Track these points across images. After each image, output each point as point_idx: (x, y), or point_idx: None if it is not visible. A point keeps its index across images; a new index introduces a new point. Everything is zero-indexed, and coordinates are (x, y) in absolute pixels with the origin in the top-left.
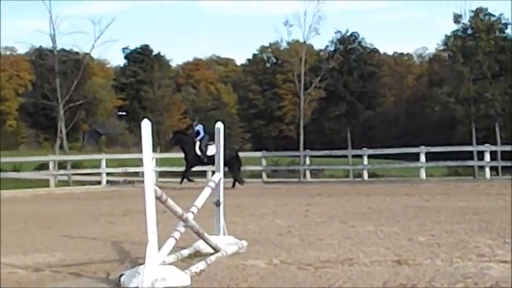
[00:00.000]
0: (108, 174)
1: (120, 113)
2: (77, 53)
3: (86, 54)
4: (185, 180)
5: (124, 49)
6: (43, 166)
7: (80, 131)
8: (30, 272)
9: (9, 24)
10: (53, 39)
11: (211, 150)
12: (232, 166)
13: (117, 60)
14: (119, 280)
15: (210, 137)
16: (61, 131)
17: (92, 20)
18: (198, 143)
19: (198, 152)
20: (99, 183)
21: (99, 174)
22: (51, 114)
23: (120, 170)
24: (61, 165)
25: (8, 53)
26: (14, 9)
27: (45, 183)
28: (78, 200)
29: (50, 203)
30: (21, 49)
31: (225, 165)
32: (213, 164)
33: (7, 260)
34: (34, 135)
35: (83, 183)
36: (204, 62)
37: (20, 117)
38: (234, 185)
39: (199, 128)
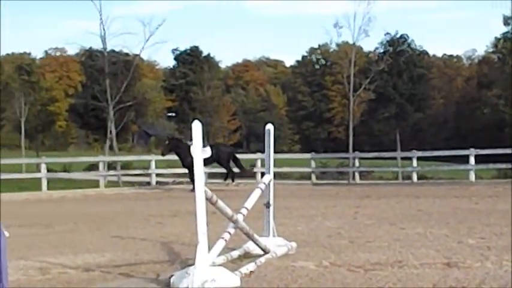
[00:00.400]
0: (157, 175)
1: (170, 114)
2: (126, 54)
3: (136, 55)
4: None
5: (174, 50)
6: (93, 167)
7: (130, 132)
8: (80, 272)
9: (60, 25)
10: (103, 40)
11: (206, 154)
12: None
13: (166, 61)
14: (169, 281)
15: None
16: (111, 131)
17: (142, 21)
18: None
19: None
20: (148, 183)
21: (149, 175)
22: (101, 115)
23: (169, 171)
24: (111, 166)
25: (58, 54)
26: (64, 10)
27: (95, 184)
28: (128, 200)
29: (100, 203)
30: (71, 50)
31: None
32: (212, 163)
33: (57, 260)
34: (84, 136)
35: (132, 183)
36: (254, 64)
37: (70, 118)
38: (226, 179)
39: None
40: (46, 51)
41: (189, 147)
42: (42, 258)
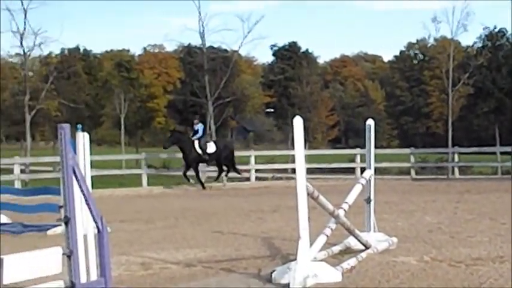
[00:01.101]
0: (256, 170)
1: (268, 110)
2: (225, 50)
3: (235, 51)
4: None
5: (272, 46)
6: None
7: (228, 128)
8: (182, 267)
9: (158, 22)
10: (202, 37)
11: (211, 148)
12: (227, 159)
13: (264, 57)
14: (271, 276)
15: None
16: (210, 127)
17: (241, 17)
18: (196, 142)
19: (199, 151)
20: (248, 179)
21: (248, 170)
22: (200, 111)
23: (268, 166)
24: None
25: (156, 50)
26: (163, 8)
27: (195, 179)
28: (228, 196)
29: (200, 199)
30: (170, 47)
31: (219, 159)
32: (213, 160)
33: (159, 256)
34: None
35: (231, 179)
36: (351, 59)
37: (169, 114)
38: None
39: (200, 127)
40: (145, 48)
41: (192, 141)
42: (144, 254)
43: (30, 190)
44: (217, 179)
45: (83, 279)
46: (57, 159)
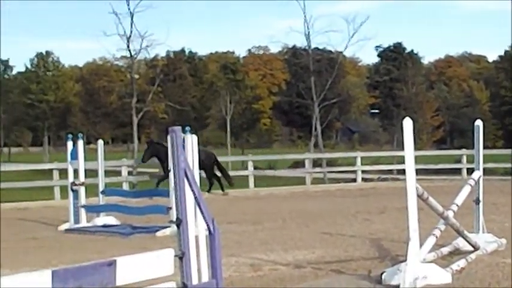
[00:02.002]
0: (363, 171)
1: (373, 111)
2: (330, 51)
3: (340, 52)
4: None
5: (377, 47)
6: (297, 164)
7: (333, 129)
8: (291, 268)
9: (263, 23)
10: (308, 38)
11: None
12: (211, 169)
13: (369, 58)
14: (380, 277)
15: None
16: (316, 129)
17: (346, 19)
18: None
19: None
20: (354, 180)
21: (354, 171)
22: (306, 112)
23: (374, 167)
24: (316, 163)
25: (261, 52)
26: (267, 10)
27: (300, 181)
28: (334, 197)
29: (307, 200)
30: (274, 48)
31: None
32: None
33: (268, 257)
34: (288, 133)
35: (337, 180)
36: (456, 59)
37: (274, 115)
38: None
39: None
40: (249, 50)
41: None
42: (253, 255)
43: (139, 192)
44: (209, 190)
45: (195, 280)
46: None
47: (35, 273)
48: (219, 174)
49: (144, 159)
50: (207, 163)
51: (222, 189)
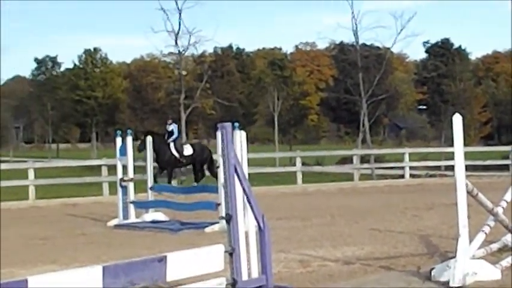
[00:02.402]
0: (410, 168)
1: (421, 107)
2: (378, 47)
3: (387, 49)
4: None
5: (425, 43)
6: (345, 160)
7: (381, 125)
8: (340, 265)
9: (310, 20)
10: (355, 34)
11: (187, 151)
12: (204, 162)
13: (416, 54)
14: (430, 274)
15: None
16: (363, 125)
17: (394, 15)
18: (172, 144)
19: (175, 153)
20: (402, 176)
21: (402, 168)
22: (353, 108)
23: (422, 163)
24: (363, 159)
25: (308, 48)
26: (315, 6)
27: (348, 177)
28: (382, 193)
29: (355, 196)
30: (321, 44)
31: (195, 162)
32: (189, 164)
33: (317, 253)
34: (335, 129)
35: (385, 176)
36: (503, 55)
37: (322, 111)
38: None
39: (174, 127)
40: (296, 46)
41: (168, 144)
42: (302, 251)
43: (187, 188)
44: (197, 182)
45: (244, 276)
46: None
47: (86, 269)
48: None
49: (141, 149)
50: (203, 156)
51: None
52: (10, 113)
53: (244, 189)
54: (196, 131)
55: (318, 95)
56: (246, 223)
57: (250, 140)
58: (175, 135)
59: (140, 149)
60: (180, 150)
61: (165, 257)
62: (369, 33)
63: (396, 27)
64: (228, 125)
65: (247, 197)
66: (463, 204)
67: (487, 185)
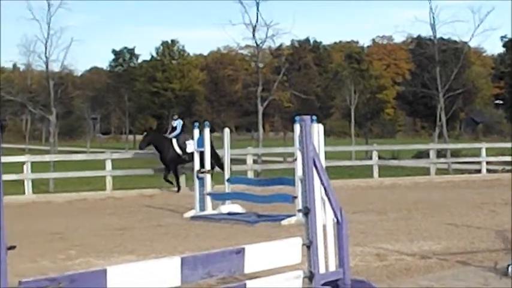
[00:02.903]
0: (487, 162)
1: (497, 102)
2: (455, 41)
3: (465, 43)
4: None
5: (502, 37)
6: (421, 154)
7: (457, 120)
8: (417, 259)
9: (387, 13)
10: (433, 28)
11: (190, 147)
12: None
13: (494, 48)
14: (507, 270)
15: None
16: (440, 119)
17: (471, 9)
18: (174, 141)
19: (178, 151)
20: (478, 171)
21: (479, 162)
22: (430, 102)
23: (499, 158)
24: (440, 153)
25: (385, 42)
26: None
27: (424, 171)
28: (459, 188)
29: (431, 190)
30: (398, 38)
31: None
32: (192, 161)
33: (393, 247)
34: (411, 123)
35: (461, 171)
36: None
37: (398, 105)
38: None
39: (178, 123)
40: (373, 40)
41: (170, 140)
42: (378, 245)
43: (264, 180)
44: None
45: (322, 269)
46: (288, 150)
47: (164, 260)
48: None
49: (142, 146)
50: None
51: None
52: (87, 104)
53: (322, 182)
54: (272, 124)
55: (395, 89)
56: (324, 216)
57: (326, 133)
58: (178, 131)
59: (141, 147)
60: (183, 147)
61: (243, 249)
62: (446, 27)
63: (474, 21)
64: (307, 118)
65: (325, 190)
66: None
67: None
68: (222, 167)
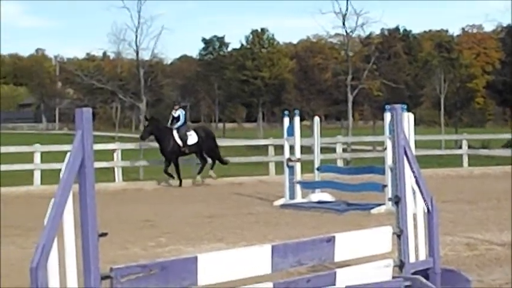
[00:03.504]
0: None
1: None
2: None
3: None
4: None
5: None
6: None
7: None
8: (507, 249)
9: (478, 2)
10: None
11: (192, 139)
12: (210, 150)
13: None
14: None
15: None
16: None
17: None
18: (175, 132)
19: (179, 142)
20: None
21: None
22: None
23: None
24: None
25: (474, 30)
26: None
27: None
28: None
29: None
30: (488, 27)
31: (201, 150)
32: (193, 153)
33: (483, 237)
34: (501, 112)
35: None
36: None
37: (488, 94)
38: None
39: (181, 113)
40: (463, 28)
41: (171, 130)
42: (468, 234)
43: (354, 169)
44: (200, 172)
45: (412, 258)
46: (378, 139)
47: (255, 248)
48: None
49: (144, 137)
50: (208, 142)
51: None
52: (177, 93)
53: (413, 171)
54: (362, 112)
55: (485, 78)
56: (414, 205)
57: (415, 122)
58: (181, 121)
59: (143, 137)
60: (184, 139)
61: (334, 237)
62: None
63: None
64: (399, 106)
65: (415, 179)
66: None
67: None
68: (222, 161)
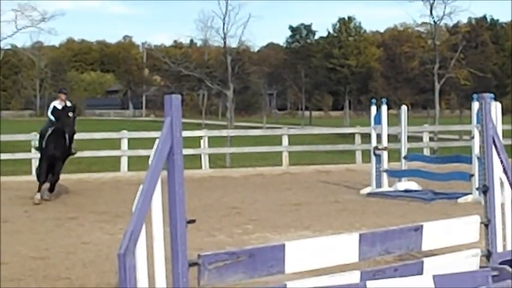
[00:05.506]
0: None
1: None
2: None
3: None
4: None
5: None
6: None
7: None
8: None
9: None
10: None
11: None
12: None
13: None
14: None
15: None
16: None
17: None
18: None
19: None
20: None
21: None
22: None
23: None
24: None
25: None
26: None
27: None
28: None
29: None
30: None
31: None
32: None
33: None
34: None
35: None
36: None
37: None
38: None
39: None
40: None
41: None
42: None
43: (440, 158)
44: None
45: (499, 248)
46: (465, 128)
47: (342, 236)
48: None
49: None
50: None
51: None
52: (264, 80)
53: (501, 161)
54: (448, 101)
55: None
56: (502, 195)
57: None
58: None
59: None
60: None
61: (421, 226)
62: None
63: None
64: (487, 95)
65: (503, 169)
66: None
67: None
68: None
